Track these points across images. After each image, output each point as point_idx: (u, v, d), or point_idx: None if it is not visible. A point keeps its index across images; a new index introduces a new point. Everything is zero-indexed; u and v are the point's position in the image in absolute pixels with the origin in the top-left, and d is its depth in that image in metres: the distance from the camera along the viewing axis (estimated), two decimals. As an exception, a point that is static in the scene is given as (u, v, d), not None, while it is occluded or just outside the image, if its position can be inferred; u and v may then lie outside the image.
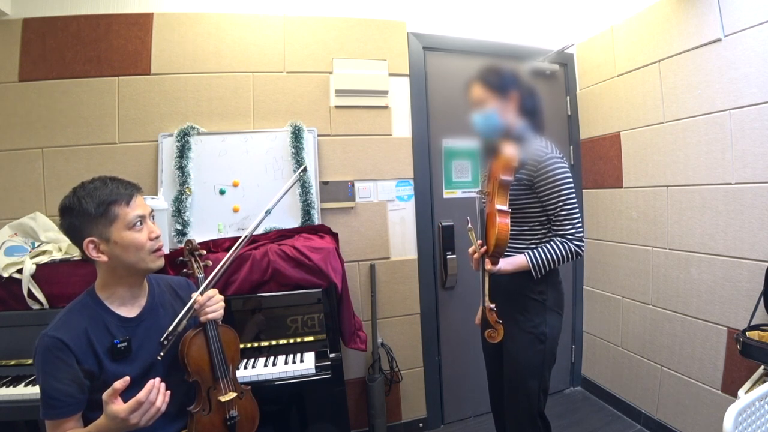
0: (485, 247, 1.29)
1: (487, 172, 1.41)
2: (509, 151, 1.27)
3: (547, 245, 1.32)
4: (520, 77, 1.40)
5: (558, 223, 1.32)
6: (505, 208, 1.26)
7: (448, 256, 2.26)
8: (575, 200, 1.31)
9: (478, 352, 2.44)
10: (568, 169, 1.31)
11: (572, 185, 1.30)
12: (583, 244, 1.32)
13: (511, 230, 1.30)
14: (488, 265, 1.27)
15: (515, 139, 1.32)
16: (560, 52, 2.46)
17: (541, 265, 1.30)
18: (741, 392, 1.45)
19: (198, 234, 1.81)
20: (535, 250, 1.32)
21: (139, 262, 1.05)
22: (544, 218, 1.36)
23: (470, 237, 1.33)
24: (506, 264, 1.31)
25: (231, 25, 1.99)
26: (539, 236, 1.37)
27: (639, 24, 2.11)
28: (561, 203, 1.29)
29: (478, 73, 1.39)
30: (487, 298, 1.29)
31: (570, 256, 1.31)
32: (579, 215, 1.32)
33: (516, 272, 1.33)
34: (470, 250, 1.35)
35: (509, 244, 1.30)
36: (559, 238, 1.32)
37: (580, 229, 1.32)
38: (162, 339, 1.09)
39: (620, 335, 2.34)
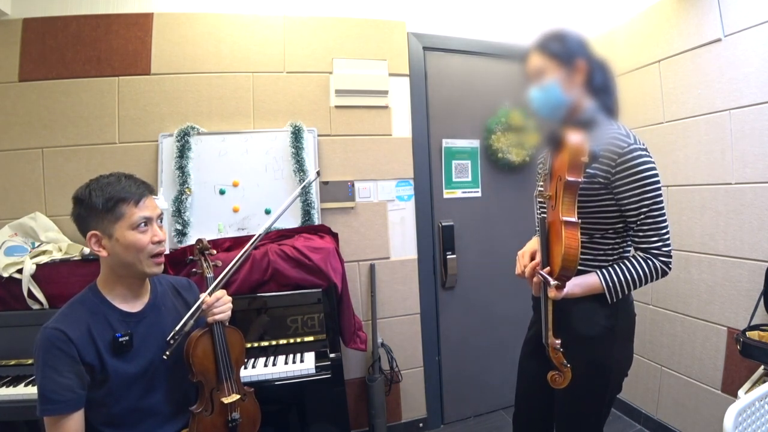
0: (548, 267, 1.02)
1: (547, 170, 1.13)
2: (576, 140, 0.96)
3: (627, 263, 1.05)
4: (589, 45, 1.09)
5: (641, 233, 1.04)
6: (574, 219, 0.95)
7: (448, 256, 2.26)
8: (663, 205, 1.03)
9: (478, 352, 2.42)
10: (655, 165, 1.02)
11: (660, 186, 1.02)
12: (671, 260, 1.04)
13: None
14: (552, 292, 0.99)
15: (583, 124, 1.03)
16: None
17: (618, 287, 1.04)
18: (741, 392, 1.45)
19: (198, 234, 1.81)
20: (611, 269, 1.05)
21: (137, 263, 1.05)
22: (620, 225, 1.08)
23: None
24: (574, 287, 1.03)
25: (231, 25, 1.99)
26: (611, 245, 1.09)
27: (639, 24, 2.11)
28: (645, 209, 1.01)
29: (537, 40, 1.11)
30: (551, 333, 1.02)
31: (655, 276, 1.04)
32: (667, 224, 1.04)
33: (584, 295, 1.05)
34: (526, 272, 1.09)
35: None
36: (641, 253, 1.05)
37: (669, 242, 1.03)
38: (168, 338, 1.09)
39: (620, 335, 2.33)
